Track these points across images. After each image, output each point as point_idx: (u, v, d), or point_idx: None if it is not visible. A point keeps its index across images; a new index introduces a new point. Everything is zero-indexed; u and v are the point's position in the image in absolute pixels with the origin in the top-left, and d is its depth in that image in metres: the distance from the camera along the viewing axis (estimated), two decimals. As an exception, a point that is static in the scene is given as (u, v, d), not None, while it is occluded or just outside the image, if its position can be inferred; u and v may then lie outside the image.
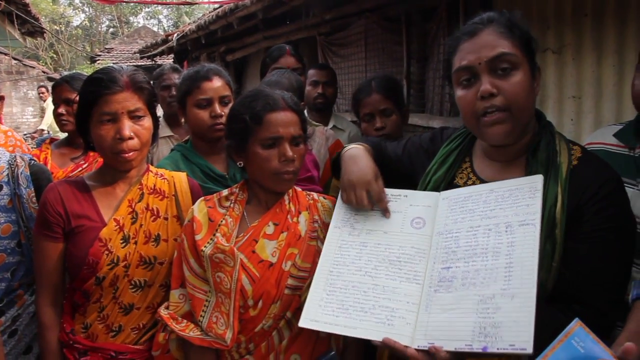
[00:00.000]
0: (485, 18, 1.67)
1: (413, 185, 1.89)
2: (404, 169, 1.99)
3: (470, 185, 1.77)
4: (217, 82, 2.53)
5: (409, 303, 1.59)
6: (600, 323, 1.44)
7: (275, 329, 1.85)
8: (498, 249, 1.54)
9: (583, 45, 3.42)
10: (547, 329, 1.37)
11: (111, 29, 37.22)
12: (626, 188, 2.01)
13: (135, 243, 2.01)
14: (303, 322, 1.64)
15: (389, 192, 1.83)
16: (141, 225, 2.04)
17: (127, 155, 1.96)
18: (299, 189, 2.08)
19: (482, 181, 1.76)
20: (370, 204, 1.78)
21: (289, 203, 1.98)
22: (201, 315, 1.86)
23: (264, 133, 1.88)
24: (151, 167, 2.21)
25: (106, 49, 25.37)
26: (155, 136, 2.13)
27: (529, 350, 1.32)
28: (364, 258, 1.71)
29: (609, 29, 3.25)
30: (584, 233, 1.56)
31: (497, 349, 1.38)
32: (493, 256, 1.54)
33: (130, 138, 1.95)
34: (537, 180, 1.59)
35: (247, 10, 6.22)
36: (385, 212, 1.78)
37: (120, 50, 24.01)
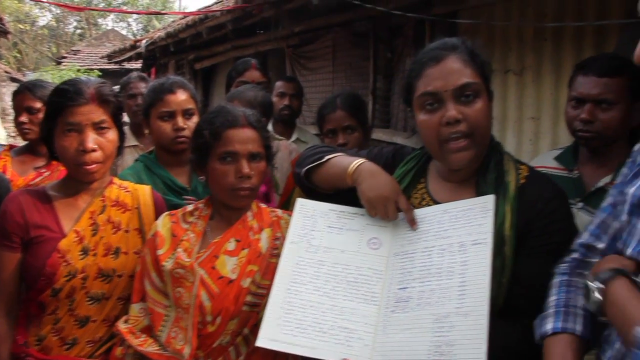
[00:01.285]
0: (449, 44, 1.71)
1: None
2: None
3: (424, 205, 1.80)
4: (181, 95, 2.56)
5: (367, 324, 1.61)
6: None
7: (233, 345, 1.86)
8: (452, 269, 1.58)
9: (543, 67, 3.53)
10: (498, 344, 1.42)
11: (79, 30, 36.58)
12: None
13: (95, 255, 1.99)
14: (261, 342, 1.62)
15: (347, 209, 1.84)
16: (101, 238, 2.02)
17: (89, 167, 1.96)
18: (263, 205, 2.10)
19: (436, 202, 1.79)
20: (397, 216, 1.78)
21: (252, 219, 1.99)
22: (160, 330, 1.86)
23: (221, 148, 1.91)
24: (115, 180, 2.20)
25: (73, 50, 24.92)
26: (120, 149, 2.13)
27: None
28: (322, 277, 1.71)
29: (567, 53, 3.37)
30: (531, 248, 1.63)
31: None
32: (447, 276, 1.57)
33: (94, 150, 1.95)
34: (489, 200, 1.63)
35: (217, 20, 6.24)
36: (413, 224, 1.72)
37: (87, 53, 23.61)
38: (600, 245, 1.47)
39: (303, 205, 1.88)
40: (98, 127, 1.97)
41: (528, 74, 3.63)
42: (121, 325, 1.91)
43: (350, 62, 5.85)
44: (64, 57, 23.48)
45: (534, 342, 1.48)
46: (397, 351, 1.53)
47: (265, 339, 1.62)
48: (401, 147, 2.06)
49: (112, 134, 2.02)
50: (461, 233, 1.62)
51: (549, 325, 1.41)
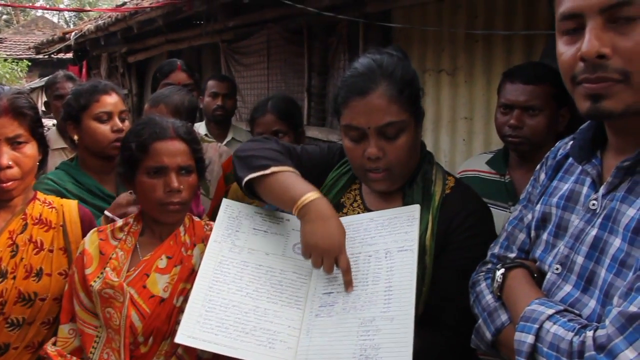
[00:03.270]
0: (377, 74, 1.66)
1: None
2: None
3: (355, 207, 1.83)
4: (115, 97, 2.51)
5: (290, 327, 1.61)
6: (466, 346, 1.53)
7: None
8: (378, 274, 1.59)
9: (475, 68, 3.60)
10: (421, 351, 1.44)
11: (5, 16, 34.86)
12: (499, 211, 2.21)
13: (14, 278, 1.88)
14: (180, 338, 1.57)
15: (273, 213, 1.84)
16: (22, 259, 1.91)
17: (5, 185, 1.84)
18: (197, 219, 2.04)
19: (366, 208, 1.82)
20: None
21: (184, 235, 1.93)
22: (91, 352, 1.80)
23: (149, 162, 1.85)
24: (39, 195, 2.08)
25: (-1, 38, 23.74)
26: (43, 162, 2.02)
27: None
28: (245, 278, 1.69)
29: (497, 54, 3.44)
30: (448, 260, 1.66)
31: None
32: (373, 281, 1.59)
33: (9, 167, 1.83)
34: (415, 209, 1.66)
35: (148, 15, 6.06)
36: (348, 286, 1.61)
37: (15, 41, 22.45)
38: (511, 255, 1.53)
39: (229, 206, 1.84)
40: (13, 142, 1.86)
41: (460, 74, 3.69)
42: (49, 348, 1.83)
43: (285, 58, 5.81)
44: (-12, 46, 22.31)
45: (455, 353, 1.54)
46: (321, 354, 1.53)
47: (184, 336, 1.57)
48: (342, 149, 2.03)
49: (30, 149, 1.90)
50: (387, 240, 1.64)
51: (504, 317, 1.41)
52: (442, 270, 1.65)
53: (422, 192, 1.73)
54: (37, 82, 15.43)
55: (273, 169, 1.75)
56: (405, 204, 1.73)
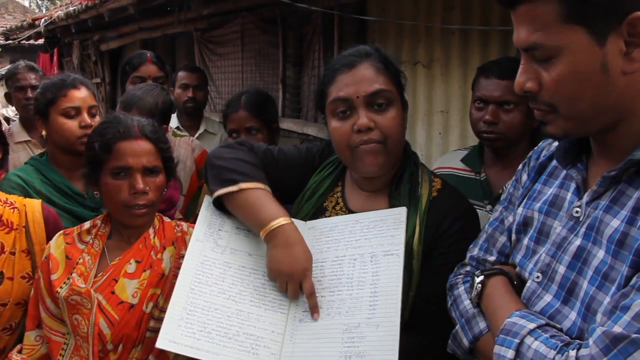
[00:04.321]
0: (362, 51, 1.70)
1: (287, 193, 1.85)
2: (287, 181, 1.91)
3: (338, 210, 1.79)
4: (84, 92, 2.44)
5: (274, 332, 1.58)
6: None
7: None
8: (363, 279, 1.57)
9: (451, 61, 3.57)
10: (406, 356, 1.42)
11: (-27, -1, 33.99)
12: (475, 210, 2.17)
13: None
14: (161, 343, 1.51)
15: None
16: None
17: None
18: (167, 219, 1.98)
19: (349, 209, 1.78)
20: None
21: (154, 237, 1.88)
22: None
23: (113, 162, 1.80)
24: (0, 195, 2.01)
25: (-34, 23, 23.13)
26: (3, 161, 1.95)
27: None
28: (228, 280, 1.64)
29: (474, 47, 3.42)
30: (436, 265, 1.64)
31: None
32: (358, 286, 1.56)
33: None
34: (401, 212, 1.63)
35: (119, 2, 5.92)
36: (314, 312, 1.58)
37: (-18, 26, 21.99)
38: (491, 258, 1.51)
39: (211, 203, 1.78)
40: None
41: (436, 66, 3.67)
42: (15, 356, 1.79)
43: (259, 48, 5.74)
44: (-46, 31, 21.73)
45: (441, 355, 1.50)
46: None
47: (165, 340, 1.51)
48: (327, 145, 1.96)
49: None
50: (373, 243, 1.61)
51: (482, 325, 1.39)
52: (429, 273, 1.63)
53: (408, 194, 1.70)
54: (5, 69, 15.09)
55: (242, 185, 1.70)
56: (391, 205, 1.70)
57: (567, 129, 1.18)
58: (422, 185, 1.72)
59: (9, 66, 3.99)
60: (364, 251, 1.62)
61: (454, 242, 1.65)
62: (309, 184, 1.87)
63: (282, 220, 1.63)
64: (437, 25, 3.55)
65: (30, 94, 3.76)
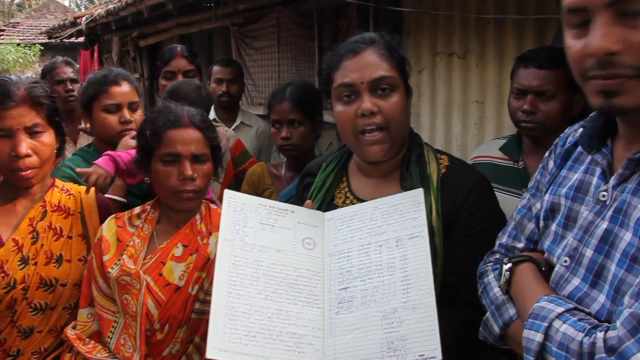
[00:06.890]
0: (367, 38, 1.75)
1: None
2: None
3: (348, 204, 1.81)
4: (125, 87, 2.52)
5: (314, 328, 1.58)
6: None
7: (184, 354, 1.84)
8: (392, 264, 1.57)
9: (486, 52, 3.57)
10: (445, 332, 1.43)
11: (17, 0, 34.78)
12: (513, 198, 2.20)
13: (35, 264, 1.92)
14: (211, 353, 1.50)
15: (277, 205, 1.77)
16: (42, 245, 1.95)
17: (24, 173, 1.88)
18: (214, 206, 2.05)
19: (360, 200, 1.80)
20: None
21: (201, 223, 1.95)
22: (109, 337, 1.84)
23: (163, 149, 1.88)
24: (57, 182, 2.12)
25: (11, 23, 23.65)
26: (61, 150, 2.06)
27: (439, 357, 1.38)
28: (262, 279, 1.62)
29: (509, 38, 3.41)
30: (458, 238, 1.68)
31: None
32: (388, 271, 1.57)
33: (28, 155, 1.87)
34: (419, 193, 1.63)
35: (157, -1, 6.04)
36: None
37: (27, 26, 22.42)
38: (519, 245, 1.51)
39: (231, 198, 1.71)
40: (31, 131, 1.89)
41: (472, 57, 3.67)
42: (69, 332, 1.88)
43: (295, 42, 5.76)
44: (2, 30, 22.23)
45: (476, 327, 1.52)
46: (348, 352, 1.51)
47: (214, 350, 1.50)
48: (307, 169, 2.05)
49: (47, 137, 1.93)
50: (396, 228, 1.62)
51: (512, 311, 1.41)
52: (453, 248, 1.66)
53: (419, 175, 1.74)
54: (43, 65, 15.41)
55: None
56: (403, 188, 1.73)
57: None
58: (429, 164, 1.76)
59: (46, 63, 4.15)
60: (388, 237, 1.62)
61: (472, 213, 1.68)
62: (315, 182, 1.92)
63: None
64: (472, 15, 3.55)
65: (69, 86, 3.92)
